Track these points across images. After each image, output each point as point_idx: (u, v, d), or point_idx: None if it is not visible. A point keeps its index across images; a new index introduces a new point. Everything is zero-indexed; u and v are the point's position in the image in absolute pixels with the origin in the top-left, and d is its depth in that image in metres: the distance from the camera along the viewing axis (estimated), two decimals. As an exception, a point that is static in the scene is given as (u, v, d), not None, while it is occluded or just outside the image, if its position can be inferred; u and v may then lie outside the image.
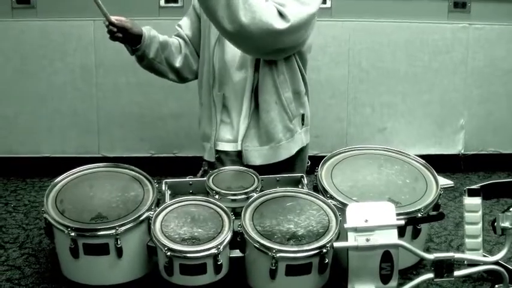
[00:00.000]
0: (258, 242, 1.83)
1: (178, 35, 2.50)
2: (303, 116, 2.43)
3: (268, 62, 2.27)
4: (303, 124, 2.44)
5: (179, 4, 3.15)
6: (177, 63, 2.45)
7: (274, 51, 2.21)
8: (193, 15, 2.48)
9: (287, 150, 2.38)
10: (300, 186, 2.26)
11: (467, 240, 2.00)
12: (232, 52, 2.31)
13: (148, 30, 2.33)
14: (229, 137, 2.37)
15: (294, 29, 2.12)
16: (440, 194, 2.14)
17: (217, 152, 2.38)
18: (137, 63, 2.41)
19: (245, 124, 2.33)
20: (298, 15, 2.12)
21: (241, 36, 2.08)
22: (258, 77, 2.28)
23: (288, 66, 2.30)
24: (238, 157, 2.37)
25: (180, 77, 2.50)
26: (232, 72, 2.33)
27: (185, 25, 2.50)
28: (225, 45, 2.32)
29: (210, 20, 2.11)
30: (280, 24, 2.08)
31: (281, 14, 2.10)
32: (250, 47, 2.18)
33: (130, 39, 2.29)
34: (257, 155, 2.34)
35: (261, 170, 2.30)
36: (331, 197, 2.08)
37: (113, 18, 2.22)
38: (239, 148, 2.36)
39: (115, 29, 2.23)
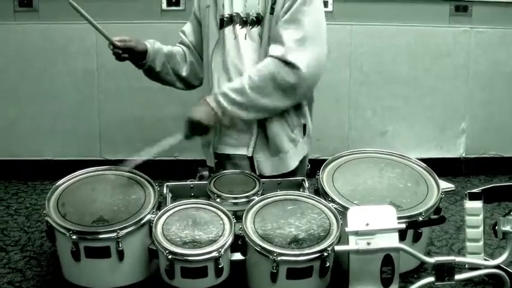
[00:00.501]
0: (259, 245, 1.83)
1: (182, 42, 2.50)
2: (304, 126, 2.42)
3: None
4: (304, 134, 2.43)
5: (181, 7, 3.15)
6: (184, 72, 2.47)
7: (303, 95, 2.31)
8: (195, 22, 2.48)
9: (294, 160, 2.39)
10: (301, 190, 2.26)
11: (468, 243, 2.00)
12: (231, 60, 2.31)
13: (152, 45, 2.34)
14: (230, 140, 2.38)
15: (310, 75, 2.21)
16: (441, 198, 2.14)
17: (218, 155, 2.38)
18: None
19: (255, 135, 2.34)
20: (296, 42, 2.18)
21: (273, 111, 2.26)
22: None
23: None
24: (239, 161, 2.37)
25: (188, 84, 2.52)
26: (230, 78, 2.32)
27: (188, 31, 2.50)
28: (224, 51, 2.32)
29: None
30: (292, 76, 2.17)
31: (288, 63, 2.17)
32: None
33: (136, 56, 2.31)
34: (269, 166, 2.35)
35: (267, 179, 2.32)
36: (332, 201, 2.08)
37: (116, 41, 2.21)
38: (243, 152, 2.36)
39: (120, 51, 2.24)
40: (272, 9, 2.23)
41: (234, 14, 2.30)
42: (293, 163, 2.38)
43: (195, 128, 2.19)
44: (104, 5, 3.04)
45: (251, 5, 2.29)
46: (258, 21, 2.28)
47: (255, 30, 2.29)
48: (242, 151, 2.36)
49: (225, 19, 2.31)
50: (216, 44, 2.32)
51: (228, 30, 2.31)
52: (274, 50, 2.18)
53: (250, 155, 2.34)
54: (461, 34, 3.29)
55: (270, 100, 2.20)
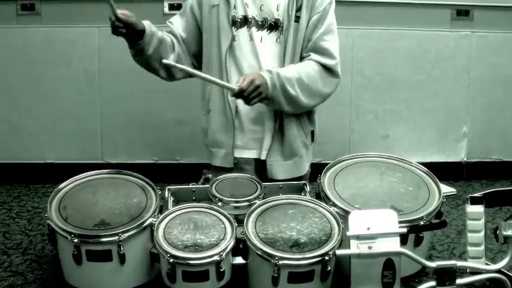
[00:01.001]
0: (260, 249, 1.84)
1: (171, 32, 2.42)
2: (312, 132, 2.47)
3: None
4: (312, 140, 2.49)
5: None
6: (171, 61, 2.32)
7: None
8: (190, 17, 2.42)
9: (306, 164, 2.46)
10: (302, 194, 2.26)
11: (469, 248, 2.00)
12: (247, 61, 2.32)
13: (149, 27, 2.28)
14: (241, 143, 2.39)
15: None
16: (442, 202, 2.14)
17: (235, 158, 2.39)
18: (138, 65, 2.37)
19: (270, 138, 2.36)
20: (337, 52, 2.36)
21: (302, 110, 2.38)
22: None
23: None
24: (244, 164, 2.38)
25: (171, 75, 2.43)
26: None
27: (178, 24, 2.43)
28: (239, 52, 2.33)
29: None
30: (333, 85, 2.37)
31: (328, 69, 2.32)
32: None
33: (133, 35, 2.24)
34: (282, 170, 2.38)
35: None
36: (334, 205, 2.09)
37: (119, 13, 2.14)
38: (255, 156, 2.39)
39: (121, 25, 2.17)
40: (297, 17, 2.28)
41: (250, 17, 2.31)
42: (306, 167, 2.46)
43: (252, 90, 2.19)
44: (106, 9, 3.05)
45: (268, 10, 2.31)
46: (276, 26, 2.31)
47: (273, 35, 2.32)
48: (250, 154, 2.39)
49: (238, 20, 2.32)
50: (229, 46, 2.32)
51: (242, 31, 2.32)
52: (323, 59, 2.31)
53: (264, 158, 2.37)
54: (462, 38, 3.29)
55: (307, 100, 2.31)
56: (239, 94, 2.18)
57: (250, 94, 2.18)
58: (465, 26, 3.29)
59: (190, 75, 2.43)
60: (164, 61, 2.16)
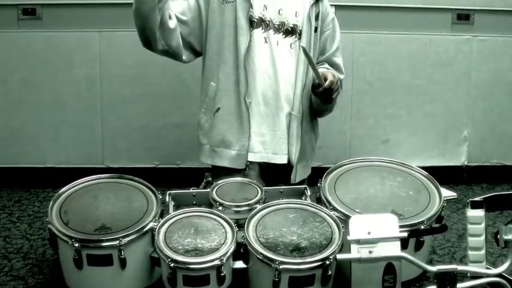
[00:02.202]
0: (261, 253, 1.84)
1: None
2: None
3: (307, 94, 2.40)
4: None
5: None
6: (171, 24, 2.23)
7: None
8: (193, 5, 2.32)
9: (309, 168, 2.52)
10: (303, 198, 2.26)
11: (470, 252, 1.99)
12: (261, 63, 2.33)
13: None
14: (253, 146, 2.38)
15: None
16: (443, 206, 2.14)
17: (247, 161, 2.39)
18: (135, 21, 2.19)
19: (298, 145, 2.39)
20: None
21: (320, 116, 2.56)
22: (303, 107, 2.38)
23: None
24: (254, 169, 2.39)
25: (166, 40, 2.24)
26: (257, 81, 2.34)
27: (174, 7, 2.28)
28: (251, 53, 2.32)
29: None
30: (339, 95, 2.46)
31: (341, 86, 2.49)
32: None
33: None
34: (300, 173, 2.43)
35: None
36: (334, 209, 2.09)
37: None
38: (266, 159, 2.40)
39: None
40: (315, 28, 2.35)
41: (268, 20, 2.32)
42: (310, 169, 2.52)
43: (335, 83, 2.28)
44: (107, 14, 3.06)
45: (287, 14, 2.33)
46: (292, 31, 2.34)
47: (288, 39, 2.34)
48: (261, 158, 2.40)
49: (255, 20, 2.31)
50: (248, 47, 2.30)
51: (257, 32, 2.32)
52: (336, 73, 2.42)
53: (294, 162, 2.39)
54: (463, 42, 3.30)
55: (335, 105, 2.47)
56: (328, 88, 2.25)
57: (334, 88, 2.28)
58: (466, 30, 3.29)
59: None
60: (303, 45, 2.24)
